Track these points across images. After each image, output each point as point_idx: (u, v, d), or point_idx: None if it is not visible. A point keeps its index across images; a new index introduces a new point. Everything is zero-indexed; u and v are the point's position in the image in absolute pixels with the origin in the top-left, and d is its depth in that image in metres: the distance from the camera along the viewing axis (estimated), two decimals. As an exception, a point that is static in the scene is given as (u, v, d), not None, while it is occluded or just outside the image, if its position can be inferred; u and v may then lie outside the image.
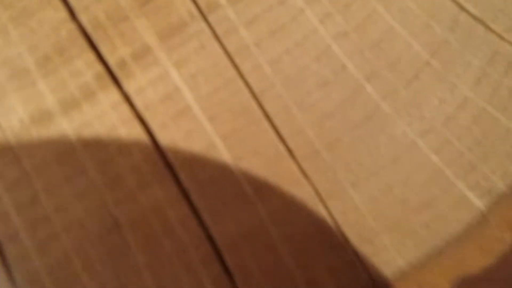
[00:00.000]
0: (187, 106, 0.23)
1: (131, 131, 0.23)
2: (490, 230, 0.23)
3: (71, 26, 0.23)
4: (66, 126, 0.23)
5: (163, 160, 0.23)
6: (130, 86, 0.23)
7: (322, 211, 0.22)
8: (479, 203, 0.23)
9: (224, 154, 0.23)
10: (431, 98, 0.23)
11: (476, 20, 0.24)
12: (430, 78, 0.23)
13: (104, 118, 0.23)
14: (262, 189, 0.22)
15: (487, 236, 0.23)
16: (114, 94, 0.23)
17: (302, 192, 0.23)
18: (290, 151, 0.23)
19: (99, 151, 0.23)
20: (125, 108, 0.23)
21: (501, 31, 0.24)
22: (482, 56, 0.24)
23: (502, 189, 0.23)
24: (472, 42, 0.24)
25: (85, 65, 0.23)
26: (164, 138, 0.23)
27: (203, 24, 0.23)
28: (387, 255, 0.22)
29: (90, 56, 0.23)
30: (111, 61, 0.23)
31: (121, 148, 0.23)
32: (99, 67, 0.23)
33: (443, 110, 0.23)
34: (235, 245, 0.22)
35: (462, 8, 0.24)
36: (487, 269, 0.22)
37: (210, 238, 0.22)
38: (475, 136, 0.23)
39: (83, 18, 0.23)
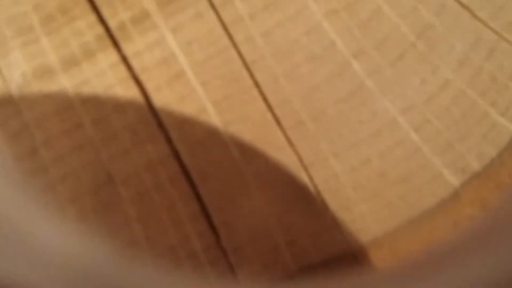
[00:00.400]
0: (181, 71, 0.24)
1: (127, 92, 0.24)
2: (462, 206, 0.24)
3: (76, -12, 0.24)
4: (66, 83, 0.24)
5: (157, 121, 0.24)
6: (128, 49, 0.24)
7: (304, 178, 0.24)
8: (454, 180, 0.24)
9: (214, 118, 0.24)
10: (414, 78, 0.24)
11: (463, 7, 0.25)
12: (415, 58, 0.24)
13: (102, 77, 0.24)
14: (249, 153, 0.23)
15: (459, 211, 0.24)
16: (112, 55, 0.24)
17: (286, 158, 0.24)
18: (277, 119, 0.24)
19: (96, 108, 0.24)
20: (122, 69, 0.24)
21: (486, 19, 0.25)
22: (466, 41, 0.25)
23: (476, 168, 0.24)
24: (457, 27, 0.25)
25: (86, 26, 0.24)
26: (158, 100, 0.24)
27: (201, -6, 0.24)
28: (363, 223, 0.24)
29: (92, 17, 0.24)
30: (112, 23, 0.24)
31: (117, 106, 0.24)
32: (100, 29, 0.24)
33: (425, 90, 0.24)
34: (221, 204, 0.23)
35: (449, -6, 0.25)
36: (457, 241, 0.24)
37: (198, 196, 0.23)
38: (454, 116, 0.24)
39: (88, -19, 0.24)
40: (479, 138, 0.24)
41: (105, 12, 0.24)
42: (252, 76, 0.24)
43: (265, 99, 0.24)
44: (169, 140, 0.23)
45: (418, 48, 0.25)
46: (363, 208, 0.24)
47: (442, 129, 0.24)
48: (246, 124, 0.24)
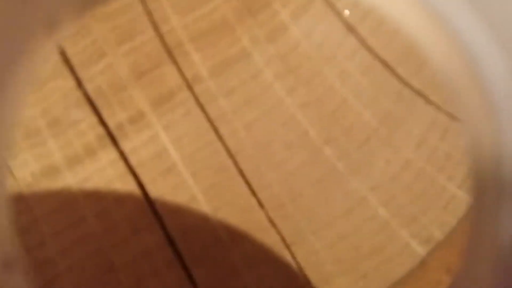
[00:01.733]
0: (173, 163, 0.22)
1: (126, 185, 0.21)
2: (429, 273, 0.21)
3: (78, 93, 0.22)
4: (70, 180, 0.21)
5: (152, 210, 0.21)
6: (125, 146, 0.22)
7: (287, 256, 0.21)
8: (420, 250, 0.22)
9: (204, 205, 0.21)
10: (379, 160, 0.22)
11: (417, 94, 0.23)
12: (378, 142, 0.22)
13: (103, 173, 0.22)
14: (236, 236, 0.21)
15: (427, 278, 0.21)
16: (112, 153, 0.22)
17: (270, 239, 0.21)
18: (260, 203, 0.22)
19: (97, 202, 0.21)
20: (121, 165, 0.22)
21: (439, 103, 0.23)
22: (422, 124, 0.23)
23: (439, 237, 0.22)
24: (413, 112, 0.23)
25: (88, 127, 0.22)
26: (153, 191, 0.21)
27: (188, 94, 0.22)
28: (342, 294, 0.21)
29: (93, 119, 0.22)
30: (111, 124, 0.22)
31: (117, 199, 0.21)
32: (100, 129, 0.22)
33: (389, 170, 0.22)
34: (213, 286, 0.21)
35: (406, 84, 0.23)
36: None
37: (191, 280, 0.21)
38: (416, 192, 0.22)
39: (88, 87, 0.22)
40: (440, 210, 0.22)
41: (105, 114, 0.22)
42: (236, 165, 0.22)
43: (249, 185, 0.22)
44: (164, 228, 0.21)
45: (381, 133, 0.23)
46: (341, 281, 0.21)
47: (407, 203, 0.22)
48: (232, 209, 0.21)
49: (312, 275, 0.21)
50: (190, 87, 0.22)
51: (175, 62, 0.22)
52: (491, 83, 0.11)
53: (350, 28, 0.23)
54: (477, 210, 0.12)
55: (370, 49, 0.23)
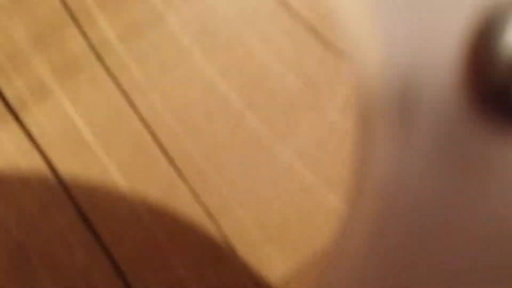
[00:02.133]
0: (83, 138, 0.20)
1: (30, 163, 0.19)
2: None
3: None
4: (-34, 161, 0.19)
5: (63, 189, 0.19)
6: (28, 121, 0.20)
7: (211, 227, 0.20)
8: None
9: (120, 181, 0.20)
10: (304, 124, 0.22)
11: (343, 58, 0.22)
12: (303, 106, 0.22)
13: (3, 151, 0.19)
14: (157, 212, 0.20)
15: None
16: (13, 128, 0.20)
17: (193, 211, 0.20)
18: (181, 175, 0.20)
19: (0, 184, 0.19)
20: (24, 141, 0.20)
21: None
22: (347, 86, 0.22)
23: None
24: (338, 73, 0.22)
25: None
26: (62, 167, 0.20)
27: (96, 61, 0.20)
28: (270, 261, 0.21)
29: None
30: (9, 95, 0.20)
31: (21, 178, 0.19)
32: (-3, 103, 0.20)
33: (315, 134, 0.22)
34: (135, 265, 0.19)
35: (329, 44, 0.22)
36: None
37: (112, 260, 0.19)
38: (343, 155, 0.22)
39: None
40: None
41: (1, 85, 0.20)
42: (153, 136, 0.20)
43: (168, 158, 0.20)
44: (77, 207, 0.20)
45: (305, 96, 0.22)
46: (269, 248, 0.21)
47: (334, 167, 0.22)
48: (151, 183, 0.20)
49: (238, 244, 0.20)
50: (97, 53, 0.20)
51: (79, 25, 0.20)
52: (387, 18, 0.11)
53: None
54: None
55: (291, 9, 0.22)
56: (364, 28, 0.11)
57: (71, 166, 0.19)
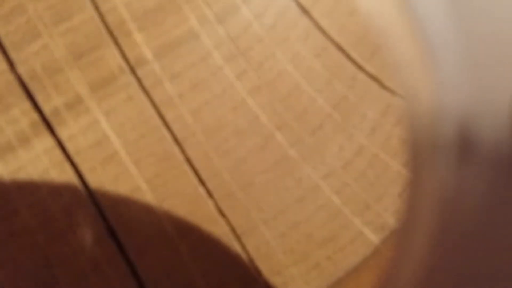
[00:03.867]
0: (115, 151, 0.20)
1: (62, 175, 0.19)
2: (383, 261, 0.20)
3: (10, 77, 0.20)
4: (2, 170, 0.19)
5: (92, 201, 0.19)
6: (62, 133, 0.20)
7: (237, 247, 0.20)
8: (374, 238, 0.20)
9: (148, 195, 0.20)
10: (332, 146, 0.21)
11: (372, 79, 0.22)
12: (332, 128, 0.21)
13: (37, 162, 0.19)
14: (183, 228, 0.19)
15: (381, 266, 0.20)
16: (47, 140, 0.19)
17: (219, 230, 0.20)
18: (208, 192, 0.20)
19: (31, 193, 0.19)
20: (57, 153, 0.19)
21: (394, 88, 0.22)
22: (377, 109, 0.22)
23: (393, 225, 0.21)
24: (368, 97, 0.22)
25: (21, 113, 0.20)
26: (93, 181, 0.19)
27: (131, 77, 0.20)
28: (294, 285, 0.20)
29: (27, 105, 0.20)
30: (46, 109, 0.20)
31: (53, 190, 0.19)
32: (34, 115, 0.20)
33: (342, 156, 0.21)
34: (158, 281, 0.19)
35: (360, 68, 0.22)
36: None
37: (135, 274, 0.19)
38: (370, 179, 0.21)
39: (21, 70, 0.20)
40: (394, 197, 0.21)
41: (39, 99, 0.20)
42: (183, 152, 0.20)
43: (196, 174, 0.20)
44: (105, 220, 0.19)
45: (334, 118, 0.21)
46: (293, 271, 0.20)
47: (360, 191, 0.21)
48: (179, 199, 0.20)
49: (263, 265, 0.19)
50: (132, 70, 0.20)
51: (116, 43, 0.20)
52: (441, 67, 0.11)
53: (303, 10, 0.21)
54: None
55: (323, 32, 0.21)
56: (418, 71, 0.11)
57: (101, 179, 0.19)
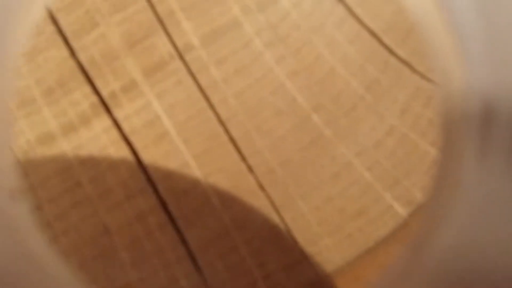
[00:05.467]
0: (166, 131, 0.21)
1: (119, 151, 0.21)
2: (411, 233, 0.21)
3: (71, 63, 0.22)
4: (66, 147, 0.21)
5: (145, 176, 0.21)
6: (119, 114, 0.21)
7: (276, 219, 0.21)
8: (402, 211, 0.21)
9: (195, 171, 0.21)
10: (364, 126, 0.22)
11: (403, 63, 0.23)
12: (364, 109, 0.22)
13: (97, 140, 0.21)
14: (227, 200, 0.21)
15: (408, 238, 0.21)
16: (105, 121, 0.21)
17: (259, 202, 0.21)
18: (250, 168, 0.21)
19: (92, 168, 0.21)
20: (114, 132, 0.21)
21: (424, 71, 0.23)
22: (407, 92, 0.22)
23: (420, 200, 0.22)
24: (399, 80, 0.22)
25: (82, 96, 0.21)
26: (146, 157, 0.21)
27: (180, 63, 0.22)
28: (328, 254, 0.21)
29: (87, 88, 0.21)
30: (104, 93, 0.21)
31: (111, 165, 0.21)
32: (94, 98, 0.21)
33: (374, 136, 0.22)
34: (205, 247, 0.20)
35: (392, 52, 0.22)
36: (409, 263, 0.21)
37: (184, 241, 0.20)
38: (399, 157, 0.22)
39: (82, 57, 0.22)
40: (421, 174, 0.22)
41: (98, 83, 0.22)
42: (227, 132, 0.21)
43: (239, 151, 0.21)
44: (157, 192, 0.21)
45: (367, 100, 0.22)
46: (327, 241, 0.21)
47: (390, 168, 0.22)
48: (223, 174, 0.21)
49: (299, 236, 0.20)
50: (181, 56, 0.21)
51: (166, 31, 0.21)
52: (468, 43, 0.11)
53: (338, -2, 0.22)
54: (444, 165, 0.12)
55: (357, 18, 0.22)
56: (452, 58, 0.11)
57: (153, 156, 0.20)
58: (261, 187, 0.21)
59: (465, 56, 0.11)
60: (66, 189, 0.20)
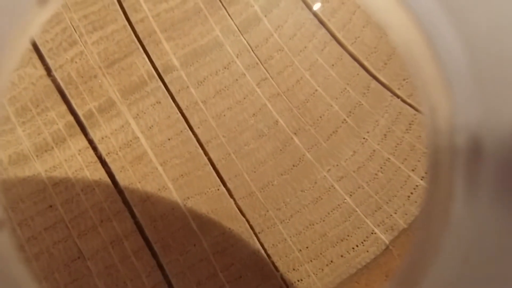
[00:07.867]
0: (143, 152, 0.20)
1: (95, 173, 0.20)
2: (393, 259, 0.21)
3: (47, 81, 0.21)
4: (39, 168, 0.20)
5: (122, 199, 0.20)
6: (95, 134, 0.20)
7: (256, 244, 0.20)
8: (384, 237, 0.21)
9: (173, 194, 0.20)
10: (346, 150, 0.21)
11: (385, 87, 0.22)
12: (346, 133, 0.22)
13: (72, 161, 0.20)
14: (205, 225, 0.20)
15: (390, 265, 0.21)
16: (81, 141, 0.20)
17: (239, 227, 0.20)
18: (229, 192, 0.21)
19: (66, 190, 0.20)
20: (90, 153, 0.20)
21: (405, 97, 0.22)
22: (388, 116, 0.22)
23: (402, 225, 0.21)
24: (380, 104, 0.22)
25: (57, 115, 0.21)
26: (123, 179, 0.20)
27: (159, 83, 0.21)
28: (309, 281, 0.20)
29: (63, 107, 0.21)
30: (80, 112, 0.21)
31: (86, 187, 0.20)
32: (69, 118, 0.21)
33: (356, 160, 0.21)
34: (182, 273, 0.20)
35: (373, 76, 0.22)
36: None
37: (160, 267, 0.20)
38: (381, 182, 0.21)
39: (58, 75, 0.21)
40: (403, 199, 0.22)
41: (74, 102, 0.21)
42: (206, 154, 0.21)
43: (218, 175, 0.21)
44: (133, 216, 0.20)
45: (349, 124, 0.22)
46: (308, 267, 0.21)
47: (372, 193, 0.21)
48: (202, 197, 0.20)
49: (279, 262, 0.20)
50: (160, 76, 0.21)
51: (146, 51, 0.21)
52: (454, 77, 0.11)
53: (321, 22, 0.22)
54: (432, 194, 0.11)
55: (340, 42, 0.22)
56: (438, 91, 0.11)
57: (130, 178, 0.20)
58: (241, 212, 0.20)
59: (451, 89, 0.10)
60: (38, 212, 0.19)
